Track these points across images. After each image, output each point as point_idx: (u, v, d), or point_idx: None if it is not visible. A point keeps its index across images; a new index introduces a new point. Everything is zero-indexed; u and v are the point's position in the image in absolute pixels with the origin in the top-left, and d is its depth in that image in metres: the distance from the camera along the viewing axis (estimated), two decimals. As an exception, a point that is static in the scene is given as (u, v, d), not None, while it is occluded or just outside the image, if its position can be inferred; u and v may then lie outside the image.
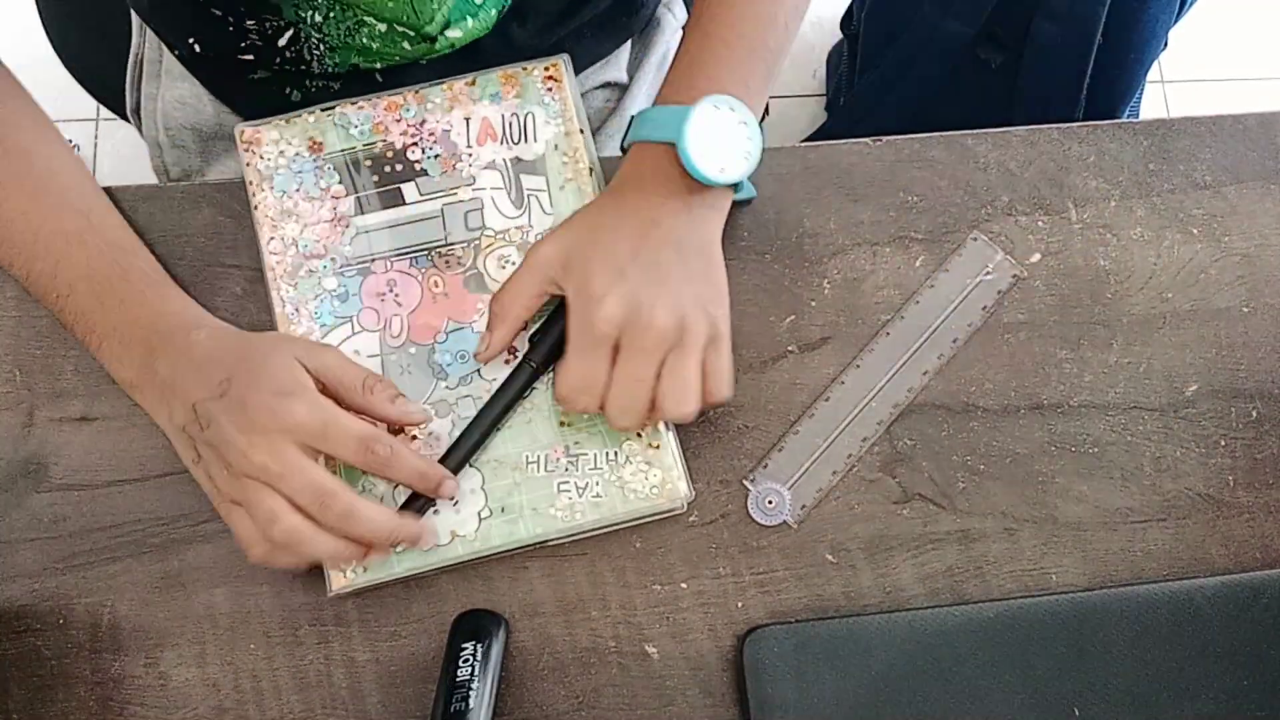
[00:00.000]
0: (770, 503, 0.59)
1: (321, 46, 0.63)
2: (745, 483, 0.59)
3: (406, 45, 0.64)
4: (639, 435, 0.58)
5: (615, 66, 0.77)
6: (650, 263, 0.56)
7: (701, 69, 0.60)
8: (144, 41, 0.74)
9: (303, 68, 0.65)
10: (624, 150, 0.61)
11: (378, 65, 0.66)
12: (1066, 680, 0.56)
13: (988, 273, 0.61)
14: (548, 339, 0.58)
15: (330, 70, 0.65)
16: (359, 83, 0.66)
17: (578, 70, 0.73)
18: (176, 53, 0.69)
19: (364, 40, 0.62)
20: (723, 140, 0.57)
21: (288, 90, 0.66)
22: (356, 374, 0.55)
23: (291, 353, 0.54)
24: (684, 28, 0.64)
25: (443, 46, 0.65)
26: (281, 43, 0.62)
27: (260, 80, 0.66)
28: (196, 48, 0.64)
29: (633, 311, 0.54)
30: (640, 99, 0.78)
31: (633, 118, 0.60)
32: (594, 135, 0.77)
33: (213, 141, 0.74)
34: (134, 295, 0.56)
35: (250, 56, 0.64)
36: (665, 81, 0.62)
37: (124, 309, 0.56)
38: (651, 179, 0.58)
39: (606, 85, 0.77)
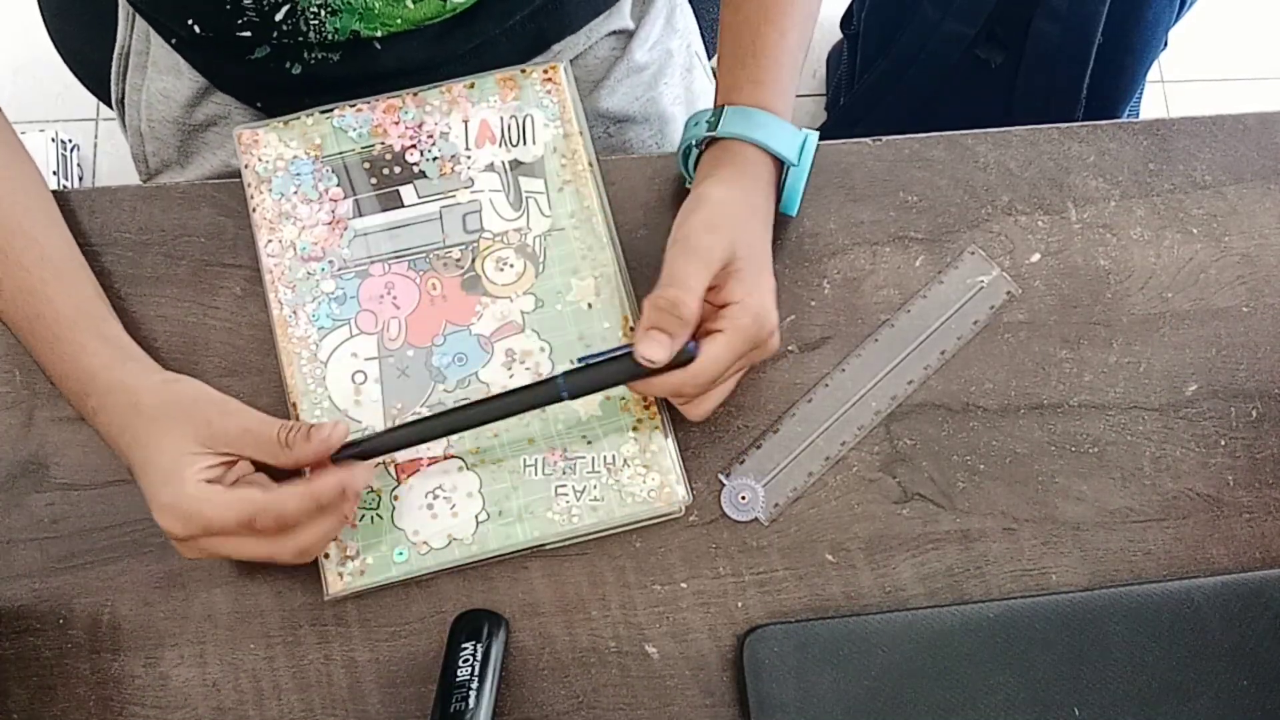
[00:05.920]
0: (743, 498, 0.59)
1: (322, 12, 0.63)
2: (720, 477, 0.59)
3: (409, 4, 0.64)
4: (636, 438, 0.58)
5: (619, 15, 0.76)
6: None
7: (781, 69, 0.60)
8: (131, 33, 0.74)
9: (300, 39, 0.64)
10: (695, 147, 0.60)
11: (378, 32, 0.65)
12: (1066, 680, 0.56)
13: (982, 287, 0.61)
14: (592, 382, 0.55)
15: (330, 39, 0.65)
16: (359, 52, 0.66)
17: (581, 24, 0.73)
18: (173, 40, 0.69)
19: (366, 0, 0.62)
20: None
21: (288, 64, 0.66)
22: (265, 438, 0.52)
23: (186, 434, 0.51)
24: (724, 10, 0.63)
25: (452, 6, 0.65)
26: (278, 17, 0.62)
27: (259, 59, 0.66)
28: (196, 29, 0.64)
29: (774, 323, 0.56)
30: (648, 45, 0.78)
31: (723, 107, 0.59)
32: (600, 84, 0.77)
33: (192, 136, 0.74)
34: (41, 353, 0.56)
35: (248, 33, 0.64)
36: (744, 70, 0.60)
37: (43, 365, 0.56)
38: (754, 178, 0.58)
39: (613, 34, 0.77)
